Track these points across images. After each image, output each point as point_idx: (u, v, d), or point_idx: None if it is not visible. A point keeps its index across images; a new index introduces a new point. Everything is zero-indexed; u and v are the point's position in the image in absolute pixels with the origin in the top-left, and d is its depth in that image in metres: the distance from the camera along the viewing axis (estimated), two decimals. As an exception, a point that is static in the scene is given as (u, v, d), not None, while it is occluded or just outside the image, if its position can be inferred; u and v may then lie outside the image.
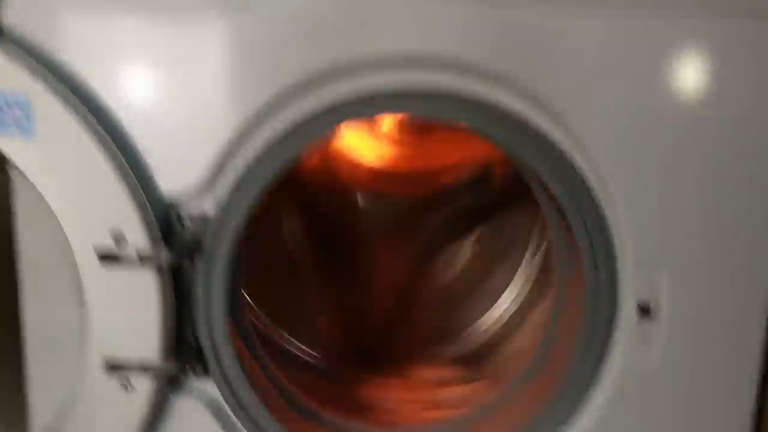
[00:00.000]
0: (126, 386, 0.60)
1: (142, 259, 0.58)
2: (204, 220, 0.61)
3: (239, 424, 0.66)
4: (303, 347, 0.91)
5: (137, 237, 0.58)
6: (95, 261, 0.57)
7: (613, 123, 0.59)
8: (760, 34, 0.57)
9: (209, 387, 0.66)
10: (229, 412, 0.66)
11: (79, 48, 0.58)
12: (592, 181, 0.61)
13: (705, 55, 0.58)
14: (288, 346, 0.91)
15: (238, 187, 0.61)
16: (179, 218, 0.61)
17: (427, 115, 0.62)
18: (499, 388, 0.79)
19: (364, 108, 0.61)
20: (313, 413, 0.76)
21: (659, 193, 0.60)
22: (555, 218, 0.70)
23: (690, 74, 0.58)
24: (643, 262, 0.61)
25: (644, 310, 0.63)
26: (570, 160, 0.61)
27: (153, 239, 0.58)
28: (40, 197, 0.58)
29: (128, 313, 0.59)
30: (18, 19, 0.57)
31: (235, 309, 0.68)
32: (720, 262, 0.61)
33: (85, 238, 0.58)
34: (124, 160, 0.58)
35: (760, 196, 0.60)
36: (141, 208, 0.58)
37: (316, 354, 0.91)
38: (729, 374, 0.63)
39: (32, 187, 0.58)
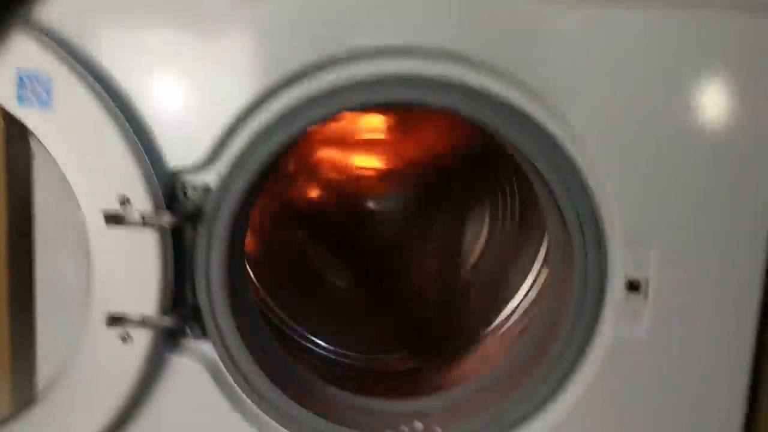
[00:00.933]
0: (125, 338, 0.65)
1: (145, 221, 0.63)
2: (206, 190, 0.67)
3: (236, 386, 0.71)
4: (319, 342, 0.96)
5: (142, 202, 0.63)
6: (102, 223, 0.63)
7: (601, 109, 0.63)
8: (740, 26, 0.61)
9: (207, 349, 0.70)
10: (226, 374, 0.71)
11: (94, 32, 0.64)
12: (581, 163, 0.65)
13: (687, 47, 0.62)
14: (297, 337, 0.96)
15: (238, 163, 0.66)
16: (183, 187, 0.67)
17: (422, 102, 0.67)
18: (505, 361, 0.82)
19: (359, 94, 0.65)
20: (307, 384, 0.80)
21: (645, 175, 0.64)
22: (548, 199, 0.73)
23: (674, 65, 0.62)
24: (631, 241, 0.65)
25: (633, 286, 0.67)
26: (560, 145, 0.65)
27: (156, 204, 0.64)
28: (55, 164, 0.64)
29: (130, 270, 0.64)
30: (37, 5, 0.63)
31: (236, 279, 0.73)
32: (704, 238, 0.65)
33: (93, 202, 0.63)
34: (133, 134, 0.64)
35: (738, 175, 0.64)
36: (146, 176, 0.63)
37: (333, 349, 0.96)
38: (719, 344, 0.67)
39: (48, 155, 0.64)
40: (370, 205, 1.04)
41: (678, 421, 0.68)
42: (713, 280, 0.65)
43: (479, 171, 0.98)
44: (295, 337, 0.96)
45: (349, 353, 0.95)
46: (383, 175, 1.03)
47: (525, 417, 0.70)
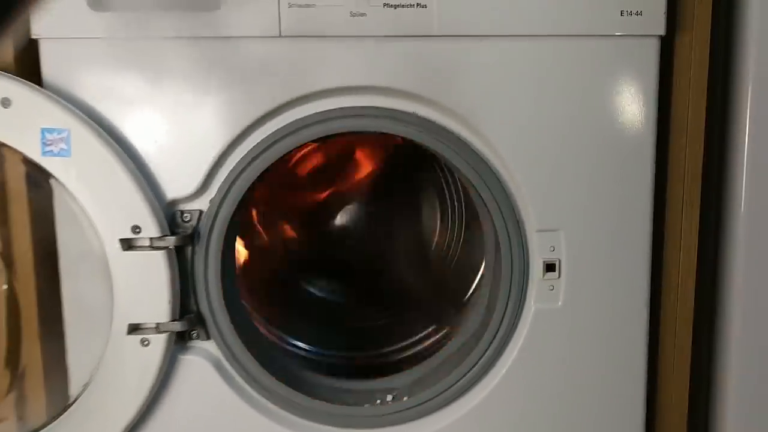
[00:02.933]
0: (144, 342, 0.79)
1: (154, 245, 0.77)
2: (200, 214, 0.81)
3: (237, 377, 0.85)
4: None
5: (150, 229, 0.77)
6: (118, 248, 0.77)
7: (513, 124, 0.80)
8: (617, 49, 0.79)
9: (212, 348, 0.84)
10: (229, 367, 0.85)
11: (101, 91, 0.78)
12: (500, 169, 0.82)
13: (577, 68, 0.80)
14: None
15: (224, 190, 0.81)
16: (181, 214, 0.81)
17: (367, 129, 0.83)
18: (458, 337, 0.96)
19: (320, 128, 0.81)
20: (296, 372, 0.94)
21: (551, 177, 0.82)
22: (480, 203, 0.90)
23: (567, 83, 0.80)
24: (543, 230, 0.83)
25: (549, 267, 0.84)
26: (481, 156, 0.82)
27: (162, 230, 0.78)
28: (74, 201, 0.77)
29: (144, 286, 0.78)
30: (55, 73, 0.77)
31: (229, 287, 0.86)
32: (601, 225, 0.83)
33: (110, 232, 0.77)
34: (139, 174, 0.78)
35: (622, 171, 0.82)
36: (152, 207, 0.77)
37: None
38: (619, 308, 0.85)
39: (68, 194, 0.77)
40: (337, 218, 1.19)
41: (590, 370, 0.86)
42: (610, 258, 0.83)
43: (426, 185, 1.14)
44: (277, 341, 1.10)
45: (325, 352, 1.10)
46: (343, 191, 1.18)
47: (475, 378, 0.86)
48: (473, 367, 0.86)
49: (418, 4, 0.76)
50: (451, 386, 0.87)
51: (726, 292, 0.89)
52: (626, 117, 0.81)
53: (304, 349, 1.07)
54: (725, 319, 0.90)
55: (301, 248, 1.17)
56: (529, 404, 0.86)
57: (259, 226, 1.14)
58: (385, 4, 0.76)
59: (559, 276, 0.84)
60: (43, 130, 0.75)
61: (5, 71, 0.75)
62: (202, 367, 0.84)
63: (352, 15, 0.76)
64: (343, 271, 1.19)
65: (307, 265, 1.17)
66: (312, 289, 1.19)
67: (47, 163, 0.76)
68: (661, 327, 0.88)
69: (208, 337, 0.84)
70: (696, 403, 0.93)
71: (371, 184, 1.17)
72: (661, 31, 0.80)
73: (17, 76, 0.75)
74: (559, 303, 0.84)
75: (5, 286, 0.79)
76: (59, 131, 0.75)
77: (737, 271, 0.88)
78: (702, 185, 0.86)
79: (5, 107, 0.74)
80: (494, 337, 0.85)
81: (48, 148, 0.75)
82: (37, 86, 0.75)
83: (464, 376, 0.87)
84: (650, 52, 0.80)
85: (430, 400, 0.87)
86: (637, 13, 0.79)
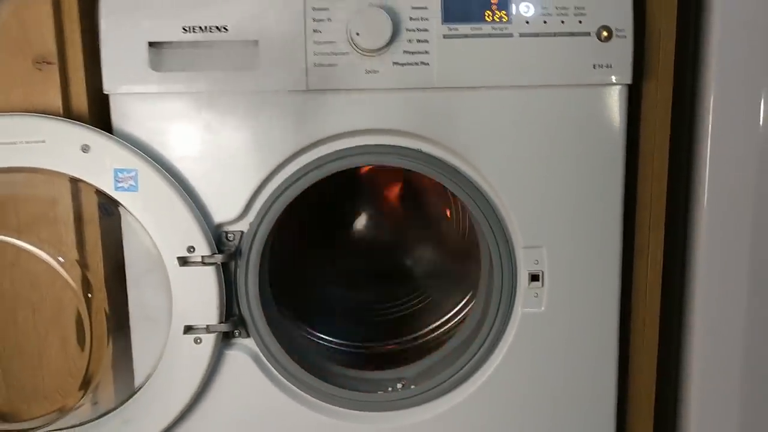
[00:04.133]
0: (197, 340, 0.96)
1: (205, 262, 0.94)
2: (241, 234, 0.98)
3: (273, 369, 1.01)
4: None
5: (202, 248, 0.94)
6: (176, 264, 0.94)
7: (502, 158, 0.95)
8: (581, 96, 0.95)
9: (252, 344, 1.01)
10: (266, 361, 1.01)
11: (162, 137, 0.94)
12: (492, 196, 0.97)
13: (557, 114, 0.95)
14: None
15: (261, 215, 0.97)
16: (225, 235, 0.98)
17: (381, 163, 0.98)
18: (457, 336, 1.12)
19: (341, 162, 0.97)
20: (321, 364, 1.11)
21: (535, 202, 0.97)
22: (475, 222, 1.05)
23: (545, 125, 0.95)
24: (528, 246, 0.98)
25: (534, 277, 1.00)
26: (475, 184, 0.97)
27: (211, 249, 0.94)
28: (139, 225, 0.94)
29: (197, 295, 0.95)
30: (123, 122, 0.94)
31: (265, 294, 1.03)
32: (578, 241, 0.98)
33: (170, 251, 0.94)
34: (192, 203, 0.94)
35: (600, 200, 0.97)
36: (203, 230, 0.94)
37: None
38: (593, 313, 1.00)
39: (134, 219, 0.94)
40: (360, 226, 1.35)
41: (568, 365, 1.01)
42: (585, 270, 0.99)
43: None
44: (305, 335, 1.27)
45: (347, 342, 1.26)
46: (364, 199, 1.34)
47: (471, 371, 1.02)
48: (470, 360, 1.02)
49: (421, 62, 0.92)
50: (452, 376, 1.03)
51: (688, 299, 1.04)
52: (599, 152, 0.96)
53: (328, 341, 1.24)
54: (689, 320, 1.05)
55: (326, 254, 1.34)
56: (517, 389, 1.03)
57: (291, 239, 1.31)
58: (394, 63, 0.92)
59: (543, 285, 0.99)
60: (116, 170, 0.91)
61: (84, 122, 0.92)
62: (243, 361, 1.01)
63: (367, 72, 0.92)
64: (363, 271, 1.35)
65: (331, 267, 1.34)
66: (335, 289, 1.35)
67: (118, 196, 0.92)
68: (631, 326, 1.04)
69: (248, 335, 1.01)
70: (663, 393, 1.09)
71: (390, 203, 1.33)
72: (628, 80, 0.94)
73: (93, 126, 0.92)
74: (543, 308, 1.00)
75: (89, 295, 0.96)
76: (128, 171, 0.91)
77: (699, 284, 1.01)
78: (667, 206, 1.01)
79: (85, 152, 0.90)
80: (488, 336, 1.01)
81: (119, 185, 0.92)
82: (109, 134, 0.92)
83: (463, 367, 1.03)
84: (619, 98, 0.95)
85: (434, 387, 1.03)
86: (607, 66, 0.93)
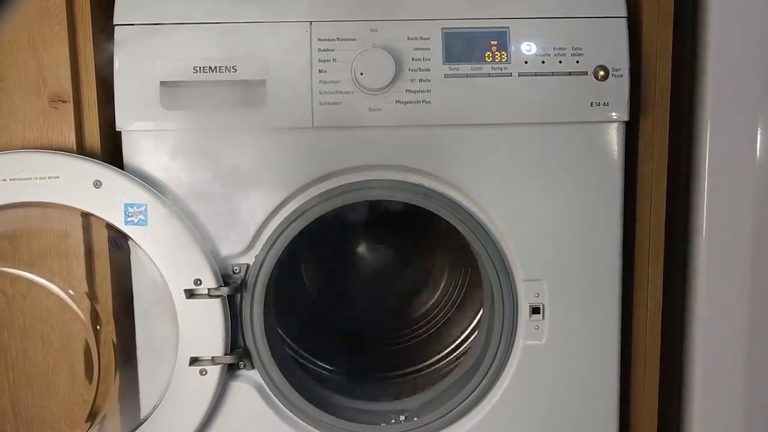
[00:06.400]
0: (203, 372, 0.97)
1: (211, 294, 0.96)
2: (247, 267, 1.00)
3: (276, 400, 1.02)
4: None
5: (208, 281, 0.96)
6: (183, 296, 0.96)
7: (502, 194, 0.98)
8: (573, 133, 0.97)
9: (256, 376, 1.02)
10: (270, 392, 1.02)
11: (171, 173, 0.96)
12: (493, 230, 0.99)
13: (556, 150, 0.97)
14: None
15: (267, 249, 0.99)
16: (232, 267, 1.00)
17: (383, 197, 1.01)
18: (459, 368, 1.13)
19: (343, 197, 0.99)
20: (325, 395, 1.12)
21: (536, 236, 0.99)
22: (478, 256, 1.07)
23: (541, 161, 0.97)
24: (529, 278, 1.00)
25: (535, 310, 1.01)
26: (478, 220, 0.99)
27: (217, 282, 0.97)
28: (148, 258, 0.96)
29: (203, 327, 0.97)
30: (134, 158, 0.96)
31: (270, 327, 1.05)
32: (577, 274, 1.00)
33: (177, 283, 0.96)
34: (200, 237, 0.97)
35: (599, 234, 0.99)
36: (210, 264, 0.96)
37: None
38: (593, 344, 1.02)
39: (143, 253, 0.96)
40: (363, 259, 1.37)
41: (569, 396, 1.02)
42: (585, 303, 1.00)
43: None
44: (308, 364, 1.28)
45: (350, 374, 1.27)
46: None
47: (474, 403, 1.03)
48: (473, 392, 1.03)
49: (423, 101, 0.95)
50: (455, 408, 1.04)
51: (689, 330, 1.05)
52: (598, 186, 0.98)
53: (332, 372, 1.25)
54: (690, 350, 1.06)
55: (328, 288, 1.35)
56: (520, 420, 1.04)
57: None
58: (397, 101, 0.95)
59: (543, 317, 1.01)
60: (126, 205, 0.94)
61: (96, 158, 0.95)
62: (248, 392, 1.02)
63: (371, 110, 0.95)
64: (367, 303, 1.36)
65: (334, 301, 1.35)
66: (340, 320, 1.37)
67: (128, 230, 0.95)
68: (632, 358, 1.05)
69: (253, 367, 1.02)
70: (665, 426, 1.09)
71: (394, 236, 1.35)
72: (626, 118, 0.97)
73: (105, 161, 0.95)
74: (543, 340, 1.01)
75: (98, 327, 0.98)
76: (138, 206, 0.94)
77: (699, 315, 1.03)
78: (666, 237, 1.03)
79: (97, 188, 0.93)
80: (489, 368, 1.03)
81: (129, 219, 0.94)
82: (121, 170, 0.95)
83: (466, 399, 1.04)
84: (617, 134, 0.98)
85: (437, 419, 1.04)
86: (604, 104, 0.96)
